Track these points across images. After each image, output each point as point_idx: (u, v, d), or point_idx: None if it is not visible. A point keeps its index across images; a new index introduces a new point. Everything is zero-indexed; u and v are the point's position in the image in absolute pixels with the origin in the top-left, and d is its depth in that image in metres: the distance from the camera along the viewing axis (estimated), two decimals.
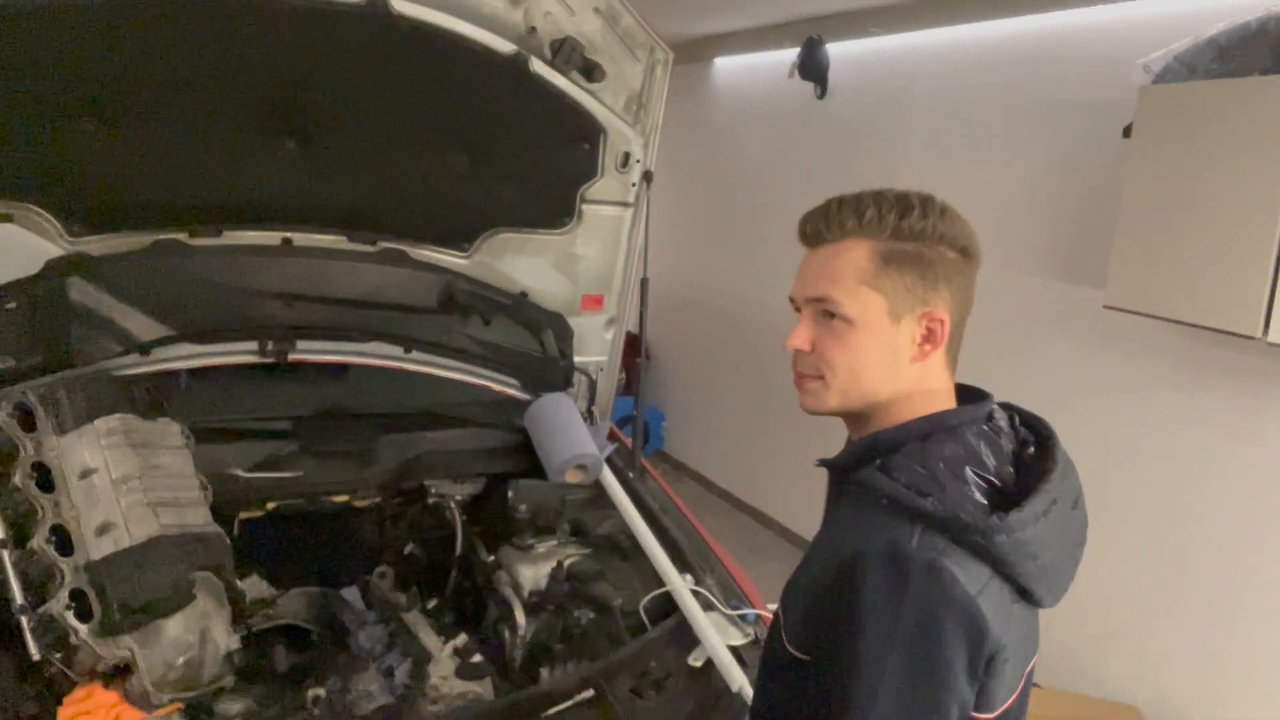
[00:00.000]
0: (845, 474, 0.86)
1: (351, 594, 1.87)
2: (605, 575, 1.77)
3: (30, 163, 1.51)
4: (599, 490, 1.98)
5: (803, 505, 4.08)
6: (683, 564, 1.76)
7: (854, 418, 0.89)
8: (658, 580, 1.73)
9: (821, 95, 3.93)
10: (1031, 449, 0.85)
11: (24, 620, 1.28)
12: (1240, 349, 2.16)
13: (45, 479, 1.37)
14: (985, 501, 0.78)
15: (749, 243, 4.42)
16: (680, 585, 1.68)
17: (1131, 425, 2.54)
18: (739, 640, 1.59)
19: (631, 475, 2.03)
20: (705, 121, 4.63)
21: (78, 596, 1.30)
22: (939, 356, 0.85)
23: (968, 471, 0.79)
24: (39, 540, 1.32)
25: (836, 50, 3.78)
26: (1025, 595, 0.80)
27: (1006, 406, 0.89)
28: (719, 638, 1.56)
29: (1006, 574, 0.77)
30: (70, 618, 1.27)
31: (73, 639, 1.28)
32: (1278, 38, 1.93)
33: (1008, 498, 0.79)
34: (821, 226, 0.86)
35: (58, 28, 1.39)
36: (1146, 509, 2.50)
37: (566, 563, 1.79)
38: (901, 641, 0.73)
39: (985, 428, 0.83)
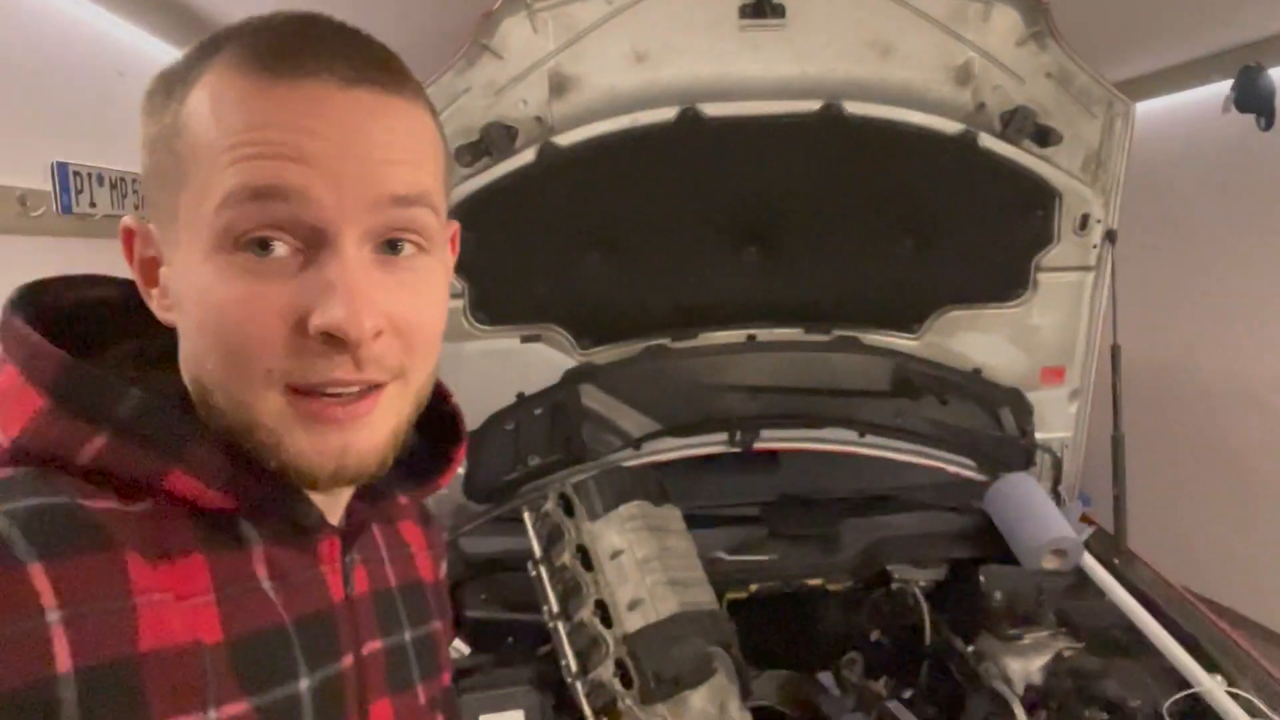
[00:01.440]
0: None
1: (826, 679, 1.89)
2: (1112, 673, 1.60)
3: (554, 291, 1.81)
4: (1081, 577, 1.82)
5: None
6: (1207, 662, 1.54)
7: None
8: (1178, 680, 1.53)
9: (1268, 126, 3.45)
10: None
11: (579, 685, 1.46)
12: None
13: (585, 559, 1.57)
14: None
15: (1188, 305, 3.93)
16: (1213, 686, 1.47)
17: None
18: None
19: (1117, 561, 1.85)
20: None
21: (619, 666, 1.46)
22: None
23: None
24: (586, 614, 1.51)
25: None
26: None
27: None
28: None
29: None
30: (618, 684, 1.43)
31: (619, 704, 1.43)
32: None
33: None
34: None
35: (575, 176, 1.67)
36: None
37: (1066, 655, 1.65)
38: None
39: None
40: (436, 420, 0.68)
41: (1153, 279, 4.07)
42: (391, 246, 0.52)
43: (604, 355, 1.89)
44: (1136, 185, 4.20)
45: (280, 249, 0.48)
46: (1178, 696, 1.49)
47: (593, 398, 1.86)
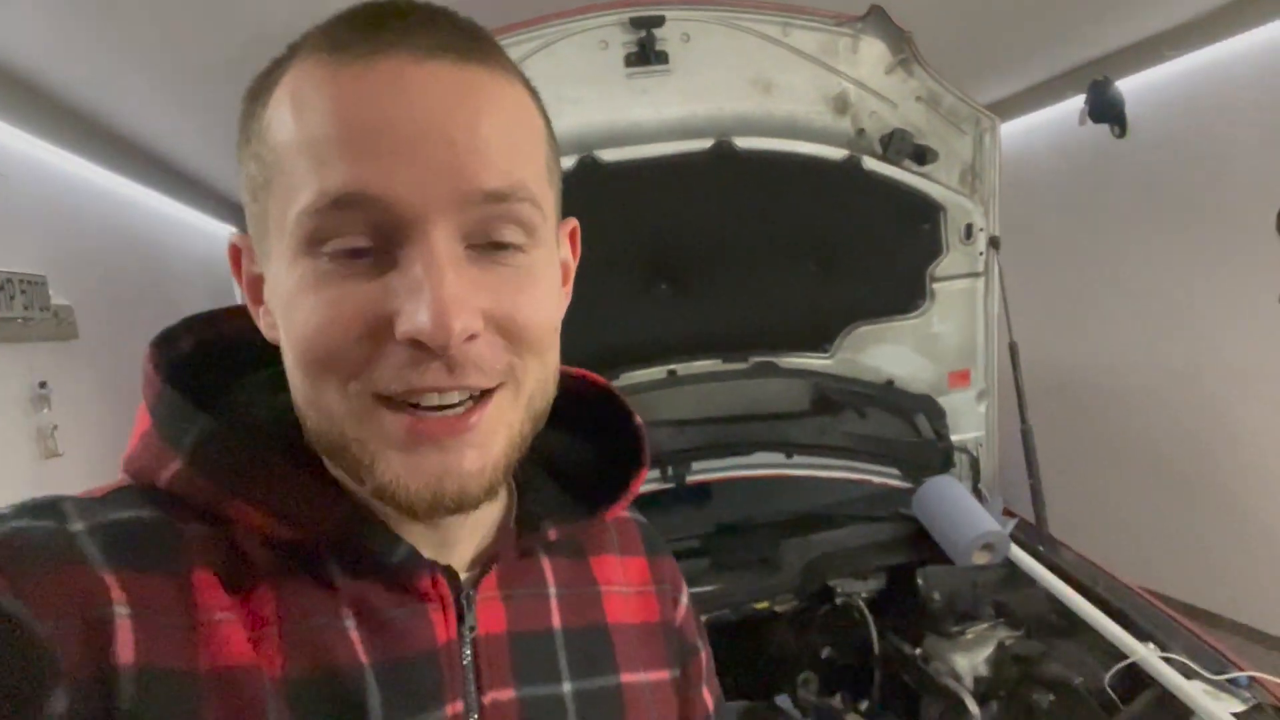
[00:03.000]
0: None
1: (784, 702, 1.90)
2: (1052, 654, 1.66)
3: None
4: (1012, 568, 1.89)
5: (1204, 575, 3.59)
6: (1138, 633, 1.62)
7: None
8: (1115, 654, 1.60)
9: (1120, 134, 3.73)
10: None
11: None
12: None
13: None
14: None
15: (1064, 301, 4.17)
16: (1147, 655, 1.54)
17: None
18: (1240, 707, 1.41)
19: (1042, 548, 1.92)
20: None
21: None
22: None
23: None
24: None
25: (1130, 84, 3.59)
26: None
27: None
28: (1218, 706, 1.40)
29: None
30: None
31: None
32: None
33: None
34: None
35: None
36: None
37: (1007, 644, 1.71)
38: None
39: None
40: (610, 440, 0.64)
41: (1029, 283, 4.32)
42: (493, 245, 0.47)
43: None
44: (1009, 198, 4.46)
45: (363, 252, 0.45)
46: (1116, 668, 1.55)
47: None
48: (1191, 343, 3.56)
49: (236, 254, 0.52)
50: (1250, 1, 2.95)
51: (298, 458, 0.50)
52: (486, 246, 0.47)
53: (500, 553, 0.58)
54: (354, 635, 0.49)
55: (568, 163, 1.70)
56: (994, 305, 2.01)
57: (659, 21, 1.68)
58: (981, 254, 1.97)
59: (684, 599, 0.72)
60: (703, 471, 1.98)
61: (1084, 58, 3.74)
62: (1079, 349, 4.14)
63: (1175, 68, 3.43)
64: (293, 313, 0.46)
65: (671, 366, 1.97)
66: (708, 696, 0.72)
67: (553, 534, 0.60)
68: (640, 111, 1.74)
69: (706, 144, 1.74)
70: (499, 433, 0.49)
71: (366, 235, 0.44)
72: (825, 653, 2.00)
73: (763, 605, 1.86)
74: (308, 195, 0.43)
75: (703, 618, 1.80)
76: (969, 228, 1.93)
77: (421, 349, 0.44)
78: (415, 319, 0.43)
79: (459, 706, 0.52)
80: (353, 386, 0.45)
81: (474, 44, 0.46)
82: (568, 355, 2.02)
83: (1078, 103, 3.75)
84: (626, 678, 0.62)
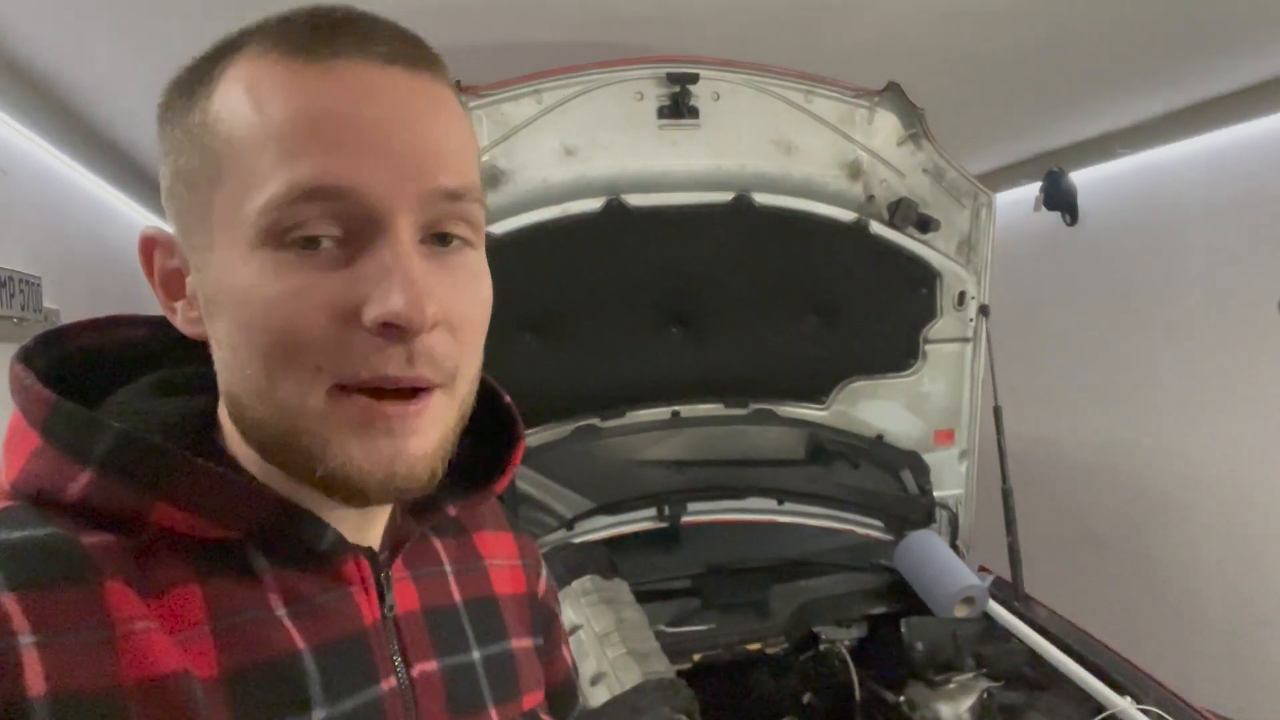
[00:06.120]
0: None
1: None
2: (1034, 705, 1.74)
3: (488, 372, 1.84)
4: (989, 622, 1.97)
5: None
6: (1115, 686, 1.70)
7: None
8: (1093, 706, 1.68)
9: (1072, 222, 3.97)
10: None
11: None
12: None
13: None
14: None
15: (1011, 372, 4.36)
16: (1125, 707, 1.62)
17: None
18: None
19: (1017, 604, 2.01)
20: None
21: None
22: None
23: None
24: None
25: (1083, 176, 3.84)
26: None
27: None
28: None
29: None
30: None
31: None
32: None
33: None
34: None
35: (508, 262, 1.73)
36: None
37: (990, 694, 1.77)
38: None
39: None
40: (488, 421, 0.65)
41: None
42: (440, 239, 0.49)
43: (536, 437, 1.93)
44: None
45: (328, 242, 0.46)
46: (1098, 719, 1.63)
47: (526, 480, 1.88)
48: (1134, 420, 3.76)
49: (150, 248, 0.52)
50: (1199, 108, 3.21)
51: (211, 456, 0.50)
52: (436, 243, 0.49)
53: (406, 534, 0.60)
54: (287, 623, 0.50)
55: (595, 204, 1.76)
56: (980, 369, 2.13)
57: (693, 79, 1.77)
58: (971, 320, 2.09)
59: (544, 572, 0.76)
60: (698, 512, 2.02)
61: (1040, 149, 3.99)
62: (1023, 420, 4.33)
63: (1126, 165, 3.69)
64: (251, 303, 0.46)
65: (676, 408, 2.02)
66: (566, 654, 0.77)
67: (452, 510, 0.63)
68: (668, 161, 1.82)
69: (727, 197, 1.83)
70: (437, 428, 0.50)
71: (332, 227, 0.46)
72: (807, 698, 2.03)
73: (755, 646, 1.90)
74: (275, 186, 0.44)
75: (695, 657, 1.85)
76: (961, 295, 2.05)
77: (389, 336, 0.46)
78: (389, 303, 0.45)
79: (393, 681, 0.55)
80: (314, 375, 0.46)
81: (421, 53, 0.49)
82: (581, 390, 2.07)
83: (1033, 189, 3.99)
84: (514, 644, 0.66)
